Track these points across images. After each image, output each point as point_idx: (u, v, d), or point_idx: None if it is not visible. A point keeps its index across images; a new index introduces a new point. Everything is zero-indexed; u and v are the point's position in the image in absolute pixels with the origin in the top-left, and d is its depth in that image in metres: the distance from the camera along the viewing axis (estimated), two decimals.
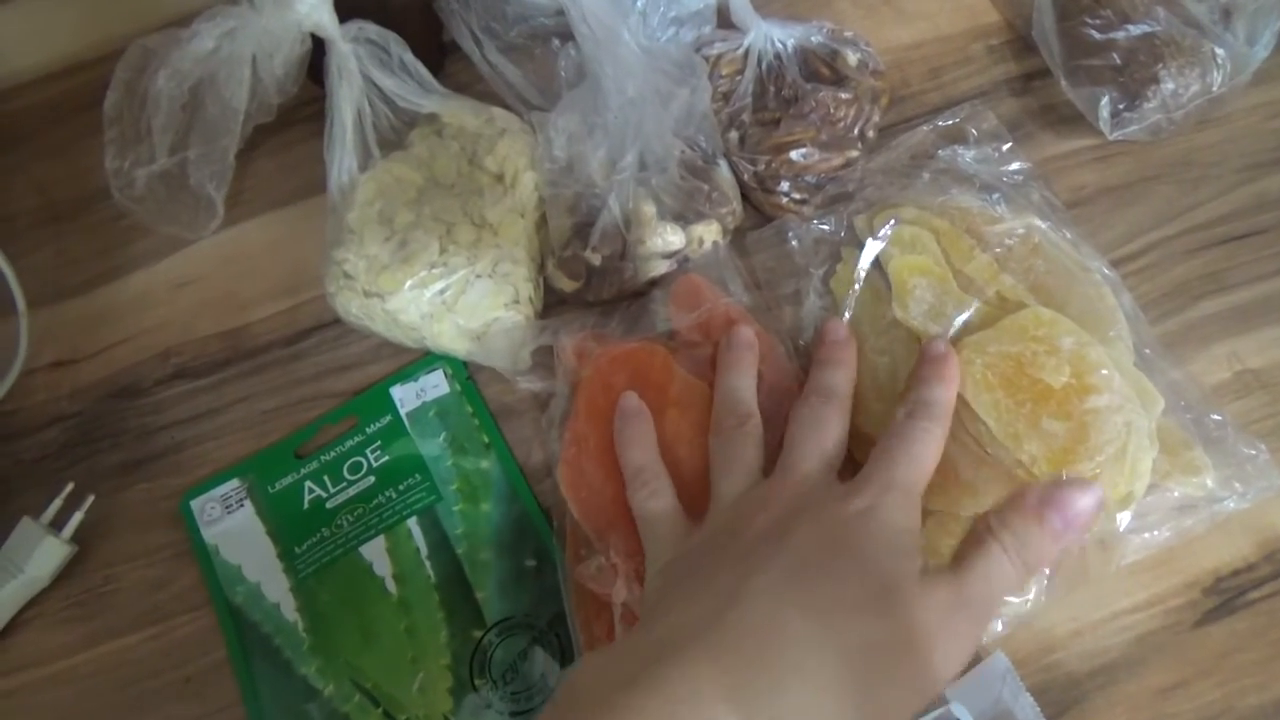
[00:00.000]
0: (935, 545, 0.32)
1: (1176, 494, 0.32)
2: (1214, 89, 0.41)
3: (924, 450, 0.30)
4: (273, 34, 0.39)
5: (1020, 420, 0.33)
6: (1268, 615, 0.32)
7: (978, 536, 0.28)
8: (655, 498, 0.32)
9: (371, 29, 0.41)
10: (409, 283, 0.38)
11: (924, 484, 0.30)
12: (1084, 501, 0.29)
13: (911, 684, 0.25)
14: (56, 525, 0.38)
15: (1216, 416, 0.34)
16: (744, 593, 0.25)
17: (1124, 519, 0.32)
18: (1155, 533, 0.32)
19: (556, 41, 0.45)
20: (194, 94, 0.39)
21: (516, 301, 0.40)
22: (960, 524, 0.32)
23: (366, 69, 0.41)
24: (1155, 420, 0.33)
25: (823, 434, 0.32)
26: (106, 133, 0.41)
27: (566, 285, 0.41)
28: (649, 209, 0.41)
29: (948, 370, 0.32)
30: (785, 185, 0.42)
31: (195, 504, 0.39)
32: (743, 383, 0.34)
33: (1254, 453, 0.33)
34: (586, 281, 0.40)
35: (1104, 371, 0.33)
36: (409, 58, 0.42)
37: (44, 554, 0.37)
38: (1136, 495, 0.32)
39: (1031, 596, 0.31)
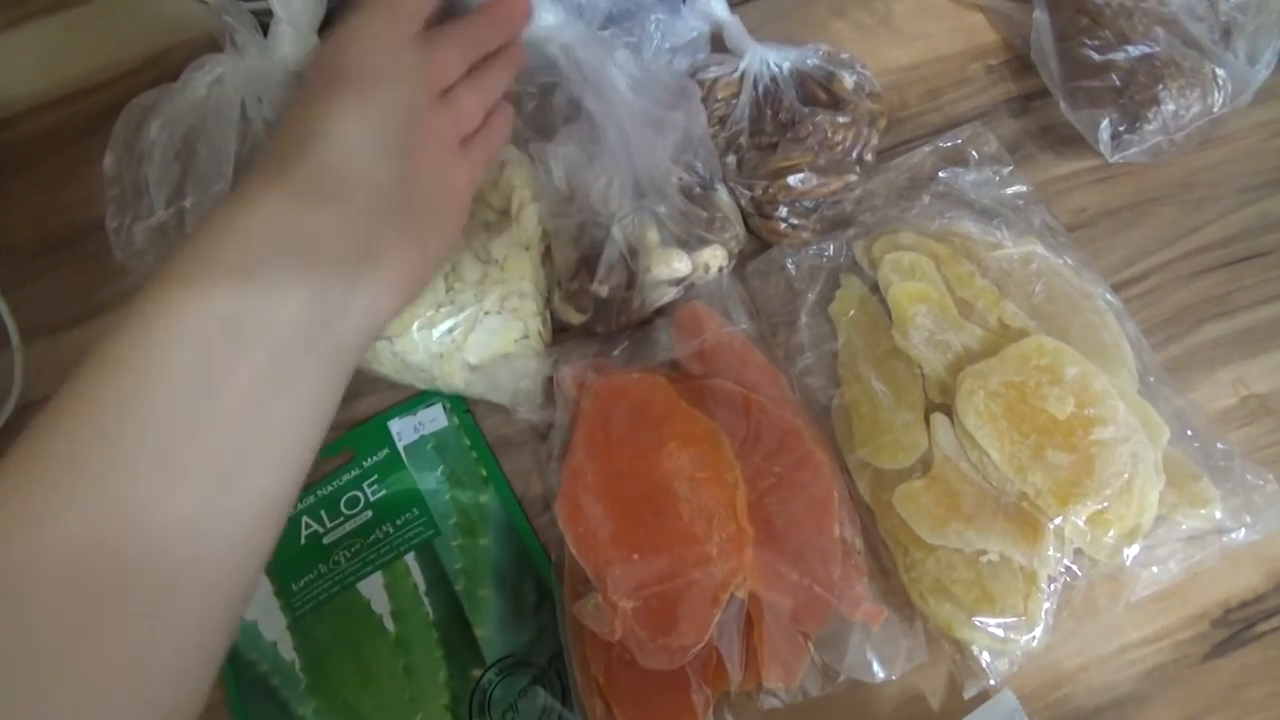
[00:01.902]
0: (944, 583, 0.32)
1: (1184, 526, 0.32)
2: (1215, 110, 0.40)
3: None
4: (260, 76, 0.38)
5: (1024, 452, 0.33)
6: (1277, 648, 0.32)
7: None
8: None
9: None
10: (416, 324, 0.38)
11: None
12: None
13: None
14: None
15: (1222, 445, 0.34)
16: None
17: (1132, 553, 0.31)
18: (1163, 566, 0.32)
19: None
20: (186, 142, 0.39)
21: (526, 336, 0.39)
22: (966, 560, 0.32)
23: None
24: (1161, 451, 0.33)
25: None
26: (108, 191, 0.41)
27: (574, 318, 0.40)
28: (653, 236, 0.40)
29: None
30: (783, 210, 0.41)
31: None
32: None
33: (1262, 483, 0.33)
34: (594, 313, 0.40)
35: (1109, 402, 0.33)
36: None
37: None
38: (1144, 528, 0.31)
39: (1039, 634, 0.31)
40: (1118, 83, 0.41)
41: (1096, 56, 0.41)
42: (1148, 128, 0.40)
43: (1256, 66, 0.41)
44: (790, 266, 0.40)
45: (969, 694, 0.31)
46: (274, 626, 0.36)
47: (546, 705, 0.34)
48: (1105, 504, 0.31)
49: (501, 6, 0.36)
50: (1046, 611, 0.31)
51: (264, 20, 0.39)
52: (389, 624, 0.36)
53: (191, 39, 0.50)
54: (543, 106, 0.46)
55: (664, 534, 0.33)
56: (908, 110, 0.45)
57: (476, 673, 0.34)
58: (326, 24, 0.40)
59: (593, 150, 0.41)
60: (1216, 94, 0.40)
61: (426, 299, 0.38)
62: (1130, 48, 0.41)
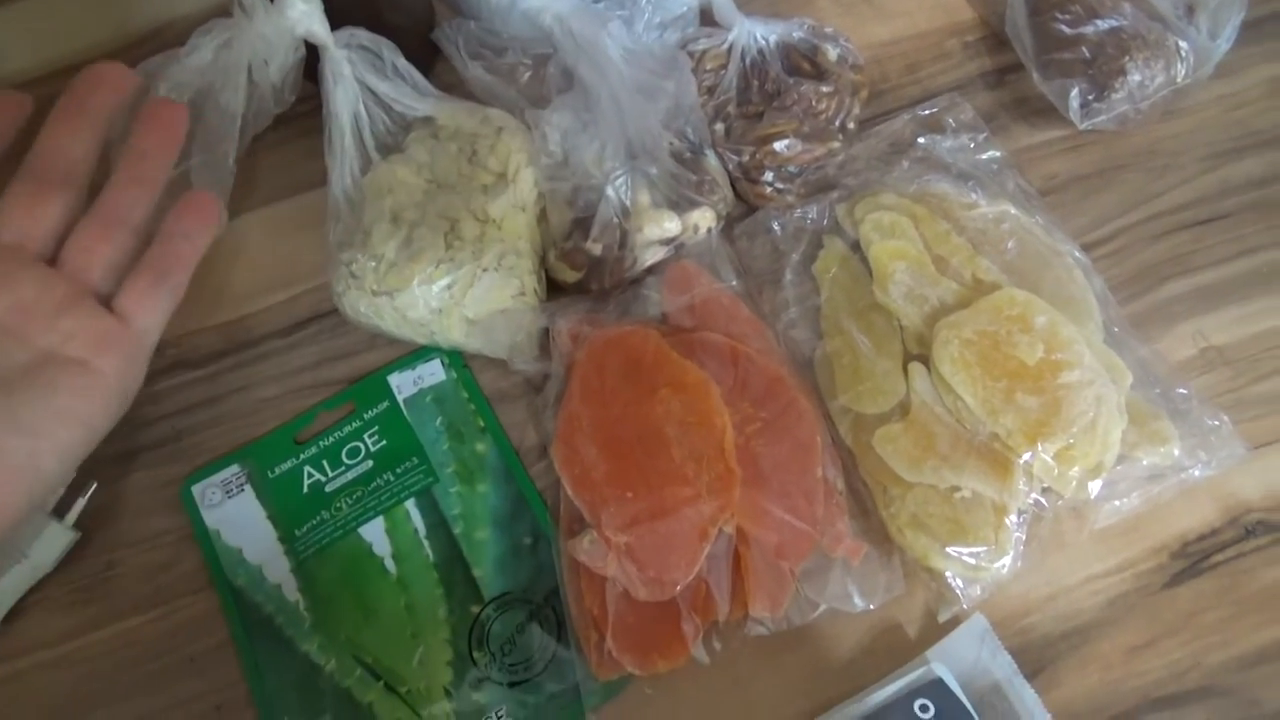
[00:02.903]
0: (920, 517, 0.34)
1: (1145, 463, 0.34)
2: (1178, 81, 0.43)
3: None
4: (267, 40, 0.40)
5: (996, 396, 0.34)
6: (1230, 577, 0.34)
7: None
8: None
9: (363, 35, 0.42)
10: (417, 279, 0.39)
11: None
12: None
13: None
14: (59, 512, 0.39)
15: (1182, 390, 0.36)
16: None
17: (1095, 487, 0.33)
18: (1125, 500, 0.34)
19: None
20: (193, 105, 0.40)
21: (522, 293, 0.41)
22: (941, 496, 0.34)
23: (361, 74, 0.42)
24: (1124, 394, 0.35)
25: None
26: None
27: (569, 275, 0.42)
28: (644, 198, 0.42)
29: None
30: (769, 175, 0.43)
31: (196, 489, 0.40)
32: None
33: (1217, 424, 0.35)
34: (588, 271, 0.41)
35: (1075, 348, 0.35)
36: (402, 62, 0.43)
37: (47, 540, 0.38)
38: (1107, 465, 0.33)
39: (1008, 562, 0.33)
40: (1087, 55, 0.43)
41: (1067, 30, 0.43)
42: (1115, 97, 0.42)
43: (1218, 40, 0.43)
44: (776, 228, 0.42)
45: (943, 618, 0.33)
46: (278, 570, 0.38)
47: (543, 637, 0.35)
48: (1071, 442, 0.33)
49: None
50: (1016, 541, 0.33)
51: None
52: (390, 566, 0.37)
53: (192, 12, 0.51)
54: (537, 77, 0.47)
55: (656, 474, 0.35)
56: (889, 83, 0.47)
57: (475, 609, 0.36)
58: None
59: (586, 117, 0.43)
60: (1179, 65, 0.42)
61: (428, 255, 0.40)
62: (1099, 21, 0.43)
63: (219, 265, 0.46)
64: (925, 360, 0.37)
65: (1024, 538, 0.33)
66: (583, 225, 0.42)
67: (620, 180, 0.41)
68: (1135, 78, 0.42)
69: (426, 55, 0.50)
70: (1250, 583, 0.33)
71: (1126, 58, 0.42)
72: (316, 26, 0.41)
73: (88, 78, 0.36)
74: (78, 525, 0.39)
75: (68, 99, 0.36)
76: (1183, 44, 0.42)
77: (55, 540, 0.38)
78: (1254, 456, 0.35)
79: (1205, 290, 0.39)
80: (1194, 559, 0.34)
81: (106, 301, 0.35)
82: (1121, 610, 0.33)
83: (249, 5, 0.39)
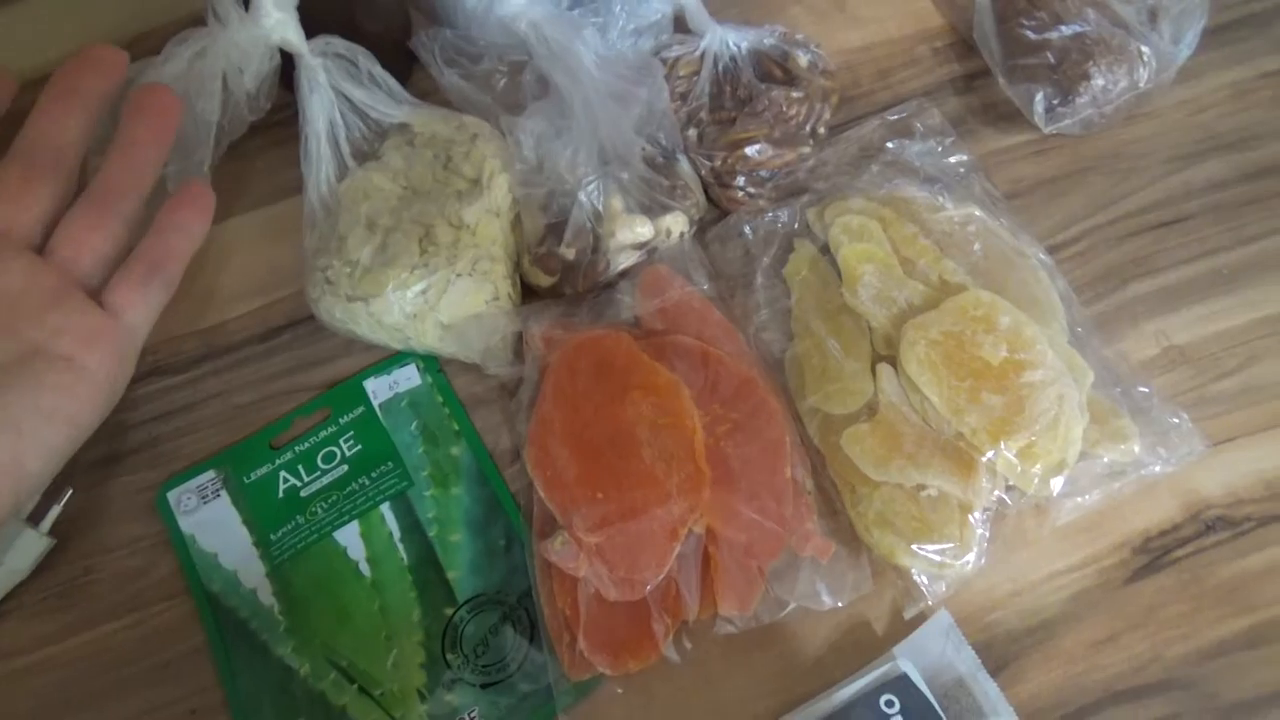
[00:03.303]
0: (886, 516, 0.34)
1: (1106, 460, 0.34)
2: (1141, 85, 0.43)
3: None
4: (241, 49, 0.40)
5: (961, 395, 0.35)
6: (1191, 571, 0.34)
7: None
8: None
9: (339, 43, 0.42)
10: (391, 284, 0.39)
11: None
12: None
13: None
14: (34, 519, 0.39)
15: (1143, 389, 0.36)
16: None
17: (1058, 484, 0.34)
18: (1086, 497, 0.34)
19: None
20: None
21: (496, 298, 0.41)
22: (907, 495, 0.34)
23: (336, 82, 0.42)
24: (1086, 392, 0.35)
25: None
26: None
27: (543, 280, 0.42)
28: (617, 203, 0.42)
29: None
30: (741, 180, 0.44)
31: (172, 495, 0.40)
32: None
33: (1177, 421, 0.35)
34: (561, 276, 0.42)
35: (1039, 348, 0.35)
36: (377, 70, 0.44)
37: (23, 547, 0.38)
38: (1069, 462, 0.34)
39: (972, 558, 0.33)
40: (1052, 60, 0.44)
41: (1033, 36, 0.44)
42: (1079, 100, 0.43)
43: (1179, 46, 0.44)
44: (747, 232, 0.43)
45: (909, 614, 0.34)
46: (253, 575, 0.38)
47: (515, 638, 0.35)
48: (1033, 439, 0.33)
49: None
50: (980, 539, 0.33)
51: None
52: (365, 569, 0.38)
53: (170, 20, 0.52)
54: (512, 84, 0.48)
55: (626, 475, 0.35)
56: (860, 88, 0.48)
57: (449, 611, 0.36)
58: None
59: (560, 124, 0.43)
60: (1142, 70, 0.43)
61: (402, 261, 0.40)
62: (1063, 27, 0.44)
63: (197, 271, 0.46)
64: (893, 361, 0.37)
65: (988, 535, 0.33)
66: (556, 230, 0.42)
67: (593, 185, 0.41)
68: (1099, 82, 0.43)
69: (403, 63, 0.51)
70: (1210, 577, 0.34)
71: (1090, 63, 0.43)
72: (291, 35, 0.41)
73: (80, 60, 0.35)
74: (53, 532, 0.39)
75: (59, 81, 0.35)
76: (1145, 49, 0.43)
77: (30, 547, 0.38)
78: (1214, 453, 0.36)
79: (1167, 291, 0.40)
80: (1155, 554, 0.35)
81: (95, 295, 0.34)
82: (1084, 605, 0.34)
83: (223, 14, 0.40)
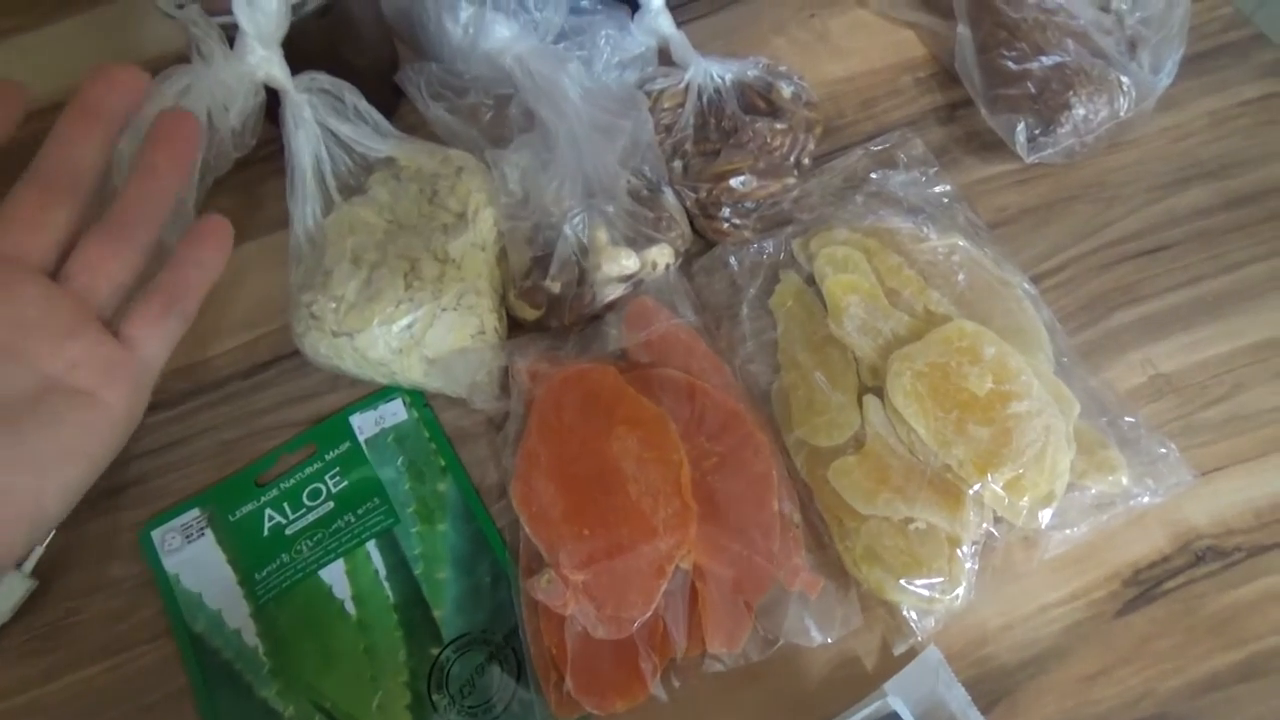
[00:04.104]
0: (875, 549, 0.34)
1: (1094, 492, 0.34)
2: (1121, 114, 0.44)
3: None
4: (226, 86, 0.40)
5: (948, 426, 0.35)
6: (1182, 603, 0.34)
7: None
8: None
9: (324, 78, 0.42)
10: (377, 319, 0.39)
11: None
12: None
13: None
14: (17, 560, 0.38)
15: (1130, 419, 0.36)
16: None
17: (1046, 516, 0.34)
18: (1074, 529, 0.34)
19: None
20: None
21: (482, 332, 0.41)
22: (895, 528, 0.34)
23: (322, 117, 0.43)
24: (1073, 423, 0.35)
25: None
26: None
27: (529, 314, 0.42)
28: (602, 235, 0.42)
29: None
30: (726, 211, 0.44)
31: (156, 534, 0.40)
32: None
33: (1165, 451, 0.35)
34: (547, 309, 0.42)
35: (1024, 378, 0.35)
36: (363, 104, 0.44)
37: (5, 589, 0.37)
38: (1057, 494, 0.34)
39: (961, 593, 0.33)
40: (1033, 90, 0.44)
41: (1014, 66, 0.45)
42: (1060, 131, 0.43)
43: (1159, 75, 0.45)
44: (733, 263, 0.43)
45: (898, 651, 0.33)
46: (237, 615, 0.37)
47: (502, 678, 0.35)
48: (1020, 471, 0.33)
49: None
50: (968, 572, 0.33)
51: (230, 33, 0.41)
52: (350, 608, 0.37)
53: (158, 55, 0.52)
54: (499, 117, 0.48)
55: (613, 511, 0.35)
56: (843, 119, 0.48)
57: (435, 650, 0.36)
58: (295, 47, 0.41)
59: (546, 157, 0.43)
60: (1122, 99, 0.43)
61: (387, 295, 0.40)
62: (1044, 58, 0.44)
63: None
64: (880, 393, 0.37)
65: (976, 568, 0.33)
66: (542, 263, 0.42)
67: (578, 218, 0.41)
68: (1080, 112, 0.43)
69: (389, 97, 0.51)
70: (1201, 609, 0.34)
71: (1071, 93, 0.43)
72: (276, 71, 0.41)
73: (98, 80, 0.34)
74: (35, 573, 0.39)
75: (77, 102, 0.34)
76: (1124, 79, 0.44)
77: (13, 589, 0.38)
78: (1203, 482, 0.36)
79: (1152, 319, 0.40)
80: (1146, 586, 0.34)
81: (110, 325, 0.33)
82: (1075, 639, 0.34)
83: (207, 51, 0.40)
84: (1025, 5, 0.46)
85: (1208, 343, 0.39)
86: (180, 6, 0.42)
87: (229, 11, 0.40)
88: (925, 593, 0.33)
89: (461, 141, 0.48)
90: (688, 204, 0.44)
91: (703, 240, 0.45)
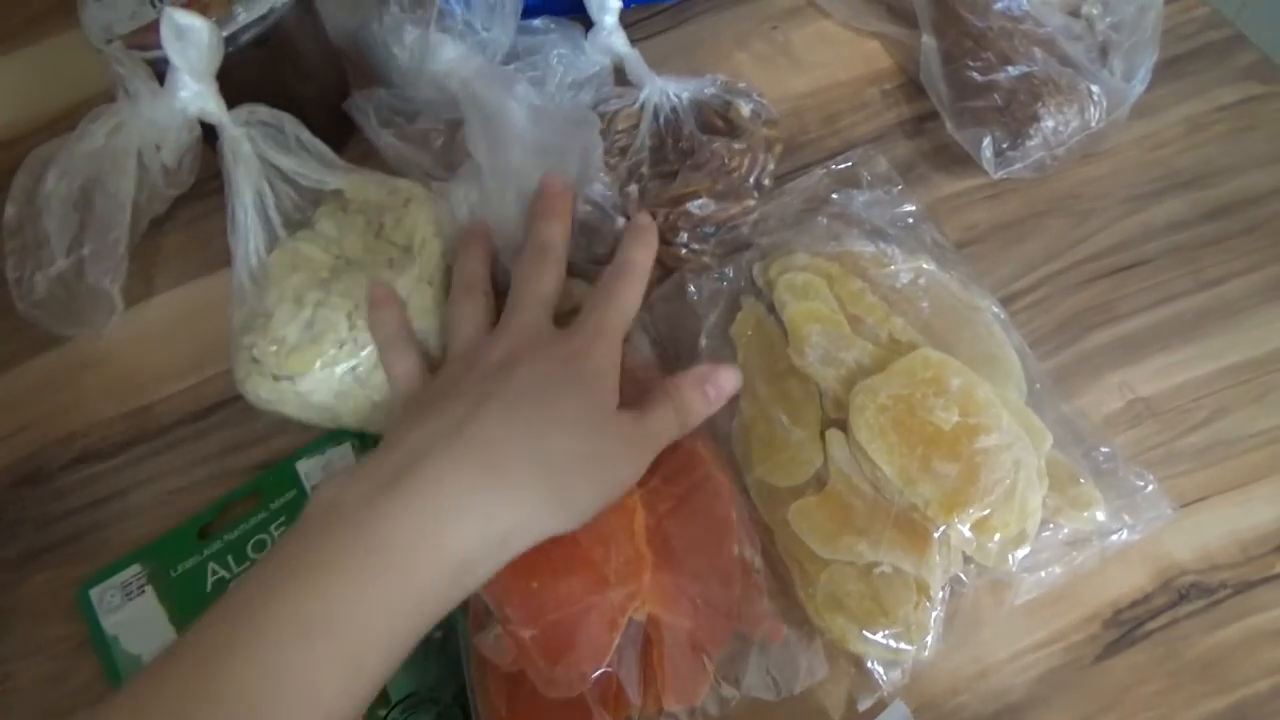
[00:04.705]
0: (838, 596, 0.32)
1: (1067, 530, 0.32)
2: (1093, 125, 0.42)
3: (627, 300, 0.36)
4: (158, 125, 0.39)
5: (914, 463, 0.33)
6: (1165, 645, 0.32)
7: (654, 397, 0.34)
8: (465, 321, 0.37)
9: (263, 111, 0.41)
10: (319, 362, 0.38)
11: (625, 329, 0.36)
12: (729, 383, 0.35)
13: (599, 486, 0.32)
14: None
15: (1106, 449, 0.34)
16: (478, 413, 0.31)
17: (1019, 557, 0.32)
18: (1047, 571, 0.32)
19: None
20: (84, 192, 0.39)
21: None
22: (858, 573, 0.32)
23: (262, 151, 0.41)
24: (1044, 456, 0.33)
25: (540, 285, 0.36)
26: (8, 243, 0.41)
27: None
28: None
29: (649, 237, 0.39)
30: (684, 236, 0.42)
31: (95, 593, 0.38)
32: (470, 263, 0.39)
33: (1143, 484, 0.33)
34: None
35: (992, 410, 0.34)
36: (306, 136, 0.42)
37: None
38: (1030, 534, 0.32)
39: (930, 643, 0.31)
40: (1000, 102, 0.42)
41: (979, 78, 0.43)
42: (1030, 144, 0.41)
43: (1132, 82, 0.43)
44: (692, 291, 0.41)
45: (863, 706, 0.31)
46: None
47: None
48: (989, 511, 0.32)
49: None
50: (936, 620, 0.31)
51: (162, 69, 0.40)
52: None
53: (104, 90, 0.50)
54: (450, 142, 0.46)
55: (562, 560, 0.33)
56: (807, 135, 0.47)
57: (381, 712, 0.34)
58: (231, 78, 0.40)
59: (492, 184, 0.42)
60: (1092, 109, 0.42)
61: (329, 337, 0.38)
62: (1010, 68, 0.42)
63: (129, 350, 0.45)
64: (844, 425, 0.35)
65: (945, 615, 0.31)
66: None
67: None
68: (1049, 124, 0.41)
69: (341, 126, 0.49)
70: (1186, 651, 0.32)
71: (1039, 104, 0.41)
72: (210, 106, 0.40)
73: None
74: None
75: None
76: (1095, 88, 0.42)
77: None
78: (1185, 514, 0.34)
79: (1130, 339, 0.38)
80: (1126, 627, 0.33)
81: None
82: (1053, 687, 0.32)
83: (134, 90, 0.38)
84: (991, 13, 0.44)
85: (1187, 364, 0.37)
86: (109, 42, 0.41)
87: (159, 46, 0.39)
88: (891, 643, 0.31)
89: (414, 169, 0.47)
90: None
91: (661, 268, 0.43)
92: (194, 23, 0.38)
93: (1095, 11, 0.44)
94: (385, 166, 0.47)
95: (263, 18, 0.42)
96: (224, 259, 0.45)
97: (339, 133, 0.50)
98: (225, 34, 0.41)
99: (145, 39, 0.40)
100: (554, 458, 0.31)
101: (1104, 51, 0.44)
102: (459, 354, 0.36)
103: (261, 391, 0.39)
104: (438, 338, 0.40)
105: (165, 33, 0.38)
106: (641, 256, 0.38)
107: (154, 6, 0.43)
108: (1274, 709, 0.31)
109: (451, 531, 0.29)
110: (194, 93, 0.39)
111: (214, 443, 0.42)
